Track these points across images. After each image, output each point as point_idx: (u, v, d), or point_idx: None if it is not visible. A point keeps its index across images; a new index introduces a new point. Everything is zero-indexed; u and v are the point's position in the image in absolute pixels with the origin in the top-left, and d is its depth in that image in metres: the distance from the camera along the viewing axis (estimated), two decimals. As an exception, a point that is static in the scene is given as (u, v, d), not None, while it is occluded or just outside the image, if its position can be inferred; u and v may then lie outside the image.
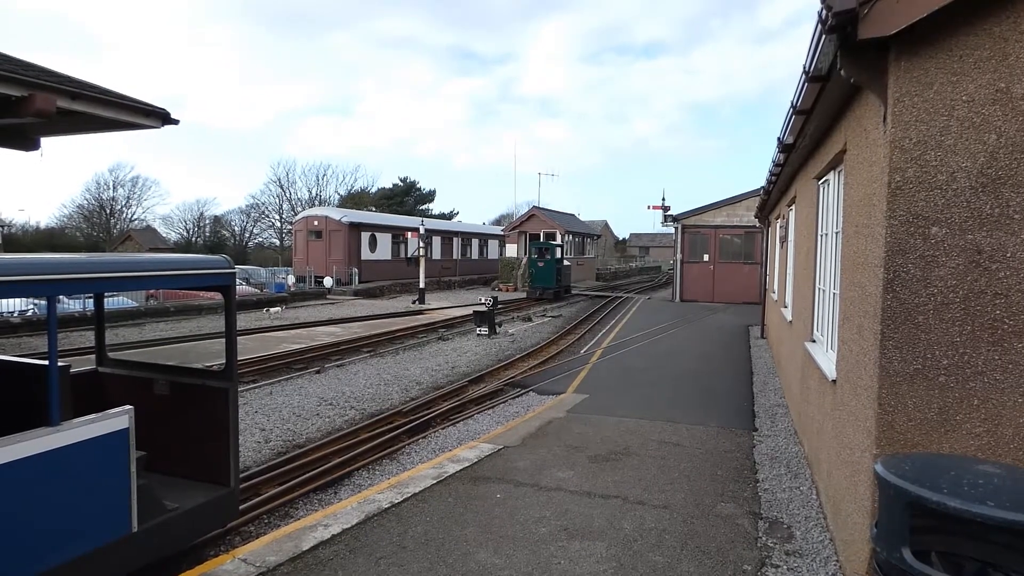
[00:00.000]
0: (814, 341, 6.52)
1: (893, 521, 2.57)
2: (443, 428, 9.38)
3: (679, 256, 27.43)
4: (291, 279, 30.07)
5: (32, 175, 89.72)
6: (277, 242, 67.61)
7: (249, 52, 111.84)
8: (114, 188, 65.32)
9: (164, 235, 67.50)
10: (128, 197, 66.40)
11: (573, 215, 48.92)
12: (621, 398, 9.54)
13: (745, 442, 7.36)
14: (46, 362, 3.63)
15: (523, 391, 11.24)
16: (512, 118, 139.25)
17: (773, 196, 11.83)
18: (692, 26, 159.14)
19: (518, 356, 15.06)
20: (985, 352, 3.24)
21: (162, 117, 6.23)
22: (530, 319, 22.43)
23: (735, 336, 16.67)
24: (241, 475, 5.38)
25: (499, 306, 20.71)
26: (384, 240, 36.43)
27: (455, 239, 43.09)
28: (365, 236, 34.97)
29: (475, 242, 46.08)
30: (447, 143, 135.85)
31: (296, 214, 50.58)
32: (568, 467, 6.35)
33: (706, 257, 27.11)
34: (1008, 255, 3.18)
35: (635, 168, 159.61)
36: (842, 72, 3.45)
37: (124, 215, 66.94)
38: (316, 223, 35.04)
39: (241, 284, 26.58)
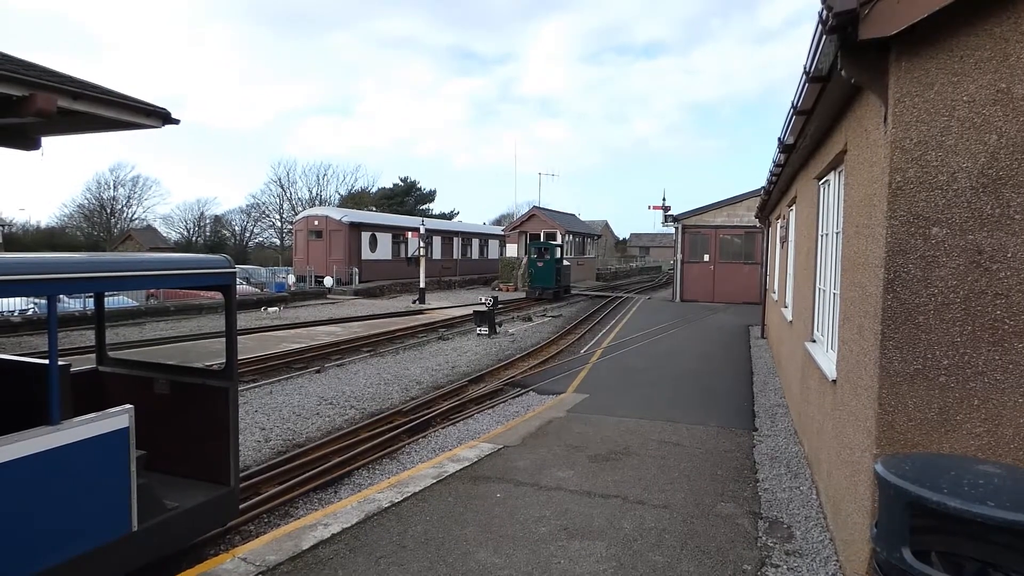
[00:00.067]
0: (814, 341, 6.51)
1: (893, 521, 2.57)
2: (443, 427, 9.38)
3: (679, 256, 27.42)
4: (291, 279, 30.07)
5: (33, 174, 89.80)
6: (277, 242, 67.66)
7: (249, 52, 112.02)
8: (115, 188, 65.45)
9: (165, 235, 67.51)
10: (129, 197, 66.54)
11: (573, 215, 48.93)
12: (621, 398, 9.54)
13: (745, 442, 7.36)
14: (46, 361, 3.64)
15: (523, 391, 11.24)
16: (512, 118, 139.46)
17: (773, 196, 11.83)
18: (692, 26, 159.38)
19: (518, 356, 15.07)
20: (985, 352, 3.24)
21: (163, 117, 6.24)
22: (530, 319, 22.44)
23: (735, 336, 16.67)
24: (241, 474, 5.39)
25: (499, 306, 20.72)
26: (384, 240, 36.42)
27: (455, 239, 43.08)
28: (365, 236, 34.96)
29: (475, 242, 46.07)
30: (447, 143, 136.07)
31: (296, 214, 50.58)
32: (568, 467, 6.35)
33: (706, 257, 27.10)
34: (1009, 255, 3.18)
35: (635, 168, 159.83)
36: (843, 72, 3.45)
37: (125, 214, 67.03)
38: (316, 223, 35.04)
39: (241, 284, 26.62)
